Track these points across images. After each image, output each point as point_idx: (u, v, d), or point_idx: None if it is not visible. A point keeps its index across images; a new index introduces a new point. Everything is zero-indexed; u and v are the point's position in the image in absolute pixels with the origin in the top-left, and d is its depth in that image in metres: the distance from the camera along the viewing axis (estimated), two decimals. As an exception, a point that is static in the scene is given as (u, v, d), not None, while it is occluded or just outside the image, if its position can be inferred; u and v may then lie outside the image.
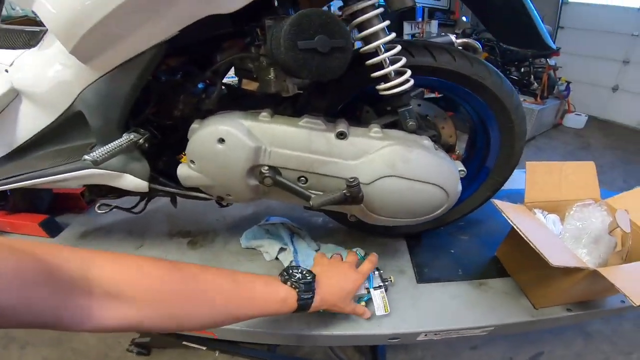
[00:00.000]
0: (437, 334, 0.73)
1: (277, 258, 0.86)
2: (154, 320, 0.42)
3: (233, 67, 0.68)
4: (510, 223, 0.68)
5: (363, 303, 0.71)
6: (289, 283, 0.56)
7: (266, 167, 0.59)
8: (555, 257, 0.60)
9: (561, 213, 0.84)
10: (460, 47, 0.84)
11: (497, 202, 0.74)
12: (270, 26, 0.54)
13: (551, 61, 3.70)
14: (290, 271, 0.58)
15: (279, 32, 0.49)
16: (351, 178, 0.55)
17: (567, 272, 0.65)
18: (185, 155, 0.66)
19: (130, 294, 0.40)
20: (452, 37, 0.84)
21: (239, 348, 1.27)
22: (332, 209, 0.69)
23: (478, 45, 0.87)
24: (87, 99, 0.60)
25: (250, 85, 0.69)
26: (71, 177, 0.66)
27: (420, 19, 4.09)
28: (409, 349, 1.45)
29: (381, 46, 0.57)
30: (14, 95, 0.68)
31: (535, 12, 0.65)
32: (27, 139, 0.72)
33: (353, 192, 0.55)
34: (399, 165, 0.57)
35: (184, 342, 1.25)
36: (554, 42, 4.32)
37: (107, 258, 0.41)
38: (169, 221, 1.05)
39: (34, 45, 0.66)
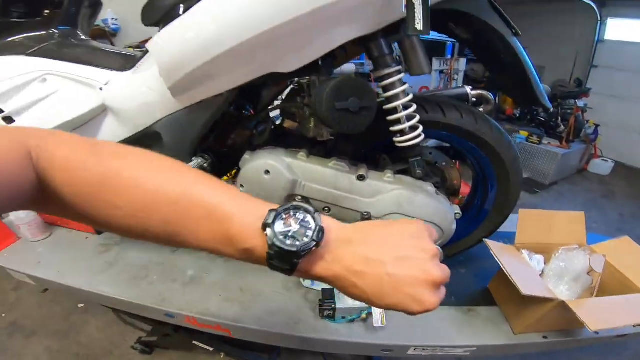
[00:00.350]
0: (425, 349, 0.88)
1: None
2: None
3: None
4: (494, 257, 0.86)
5: (364, 315, 0.88)
6: (268, 232, 0.33)
7: (299, 197, 0.79)
8: (527, 288, 0.77)
9: (547, 255, 1.00)
10: (475, 99, 1.04)
11: (488, 241, 0.91)
12: (315, 85, 0.75)
13: (580, 103, 3.81)
14: (290, 212, 0.34)
15: (322, 93, 0.70)
16: (365, 212, 0.75)
17: (541, 302, 0.81)
18: (229, 176, 0.86)
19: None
20: (468, 89, 1.05)
21: (244, 353, 1.40)
22: None
23: (491, 97, 1.07)
24: (168, 124, 0.82)
25: (291, 125, 0.90)
26: None
27: (449, 56, 4.34)
28: None
29: (401, 105, 0.77)
30: (102, 110, 0.90)
31: (532, 69, 0.82)
32: None
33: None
34: (405, 206, 0.77)
35: (194, 342, 1.40)
36: (585, 83, 4.47)
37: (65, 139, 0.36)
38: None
39: (128, 69, 0.89)
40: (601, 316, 0.76)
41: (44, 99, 0.91)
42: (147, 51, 0.85)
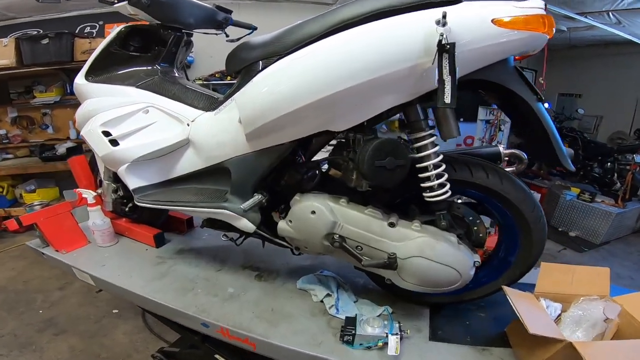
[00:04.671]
0: None
1: (322, 301, 1.20)
2: None
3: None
4: (507, 298, 0.94)
5: (380, 344, 0.99)
6: None
7: (337, 235, 0.98)
8: (535, 327, 0.83)
9: (567, 304, 1.05)
10: (507, 157, 1.17)
11: (506, 288, 1.00)
12: (359, 143, 0.94)
13: (638, 158, 3.73)
14: None
15: (365, 152, 0.90)
16: (392, 253, 0.93)
17: (550, 344, 0.87)
18: (278, 211, 1.07)
19: None
20: (501, 148, 1.19)
21: None
22: (374, 272, 1.04)
23: (524, 156, 1.18)
24: (237, 163, 1.06)
25: (335, 174, 1.11)
26: (210, 212, 1.12)
27: (495, 106, 4.42)
28: None
29: (431, 165, 0.94)
30: (186, 142, 1.16)
31: (554, 132, 0.91)
32: (180, 175, 1.20)
33: (391, 262, 0.93)
34: (427, 251, 0.93)
35: (216, 355, 1.52)
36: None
37: None
38: (245, 256, 1.47)
39: (212, 110, 1.13)
40: (608, 358, 0.79)
41: (144, 128, 1.19)
42: (227, 96, 1.09)
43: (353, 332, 1.01)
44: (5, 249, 3.33)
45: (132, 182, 1.23)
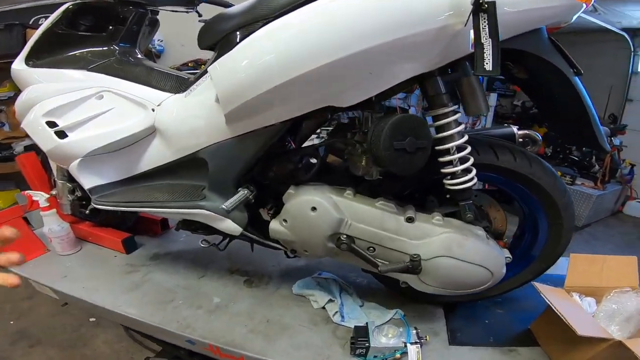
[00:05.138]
0: None
1: (324, 307, 1.02)
2: None
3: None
4: (547, 301, 0.82)
5: (398, 355, 0.85)
6: None
7: (345, 236, 0.78)
8: (583, 328, 0.74)
9: (598, 297, 0.96)
10: (521, 139, 1.02)
11: (537, 285, 0.88)
12: (369, 121, 0.75)
13: (616, 140, 3.73)
14: None
15: (380, 131, 0.69)
16: (415, 254, 0.74)
17: (594, 342, 0.77)
18: (268, 209, 0.86)
19: None
20: (515, 129, 1.02)
21: None
22: (388, 275, 0.86)
23: (538, 137, 1.03)
24: (216, 152, 0.83)
25: (335, 160, 0.90)
26: (186, 213, 0.89)
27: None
28: None
29: (455, 147, 0.76)
30: (152, 131, 0.92)
31: (592, 109, 0.79)
32: (146, 170, 0.96)
33: (414, 265, 0.74)
34: (455, 249, 0.75)
35: None
36: (621, 119, 4.34)
37: None
38: (230, 259, 1.26)
39: (181, 92, 0.91)
40: None
41: (99, 116, 0.95)
42: (199, 75, 0.88)
43: (367, 344, 0.87)
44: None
45: (87, 181, 1.00)
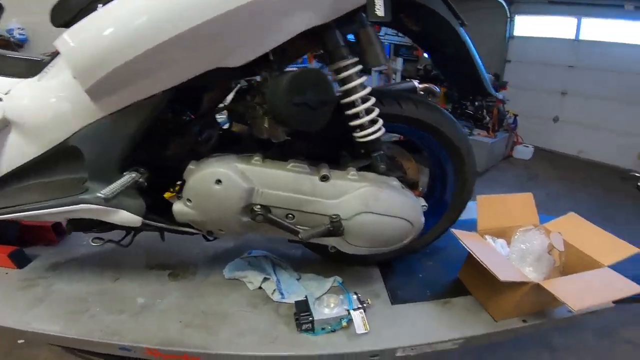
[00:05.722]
0: (413, 348, 0.83)
1: (260, 287, 0.94)
2: None
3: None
4: (467, 249, 0.83)
5: (345, 324, 0.81)
6: None
7: (258, 206, 0.69)
8: (503, 274, 0.76)
9: (507, 238, 1.01)
10: (422, 92, 1.02)
11: (456, 232, 0.89)
12: (268, 80, 0.65)
13: (500, 95, 4.14)
14: None
15: (278, 87, 0.61)
16: (334, 215, 0.67)
17: (515, 286, 0.80)
18: (172, 192, 0.73)
19: None
20: (415, 83, 1.02)
21: None
22: (314, 242, 0.79)
23: (437, 90, 1.06)
24: (88, 136, 0.67)
25: (240, 128, 0.79)
26: (67, 211, 0.71)
27: (387, 56, 4.49)
28: None
29: (359, 99, 0.70)
30: (4, 125, 0.71)
31: (477, 59, 0.81)
32: (10, 170, 0.75)
33: (336, 227, 0.68)
34: (372, 204, 0.70)
35: None
36: (502, 76, 4.85)
37: None
38: (148, 255, 1.08)
39: (32, 75, 0.71)
40: (579, 295, 0.76)
41: None
42: (56, 54, 0.69)
43: (310, 318, 0.81)
44: None
45: None
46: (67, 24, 0.65)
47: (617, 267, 0.86)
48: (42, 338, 0.87)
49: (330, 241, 0.77)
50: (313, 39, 0.68)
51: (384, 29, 4.17)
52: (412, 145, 0.96)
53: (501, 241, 0.99)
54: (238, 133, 0.81)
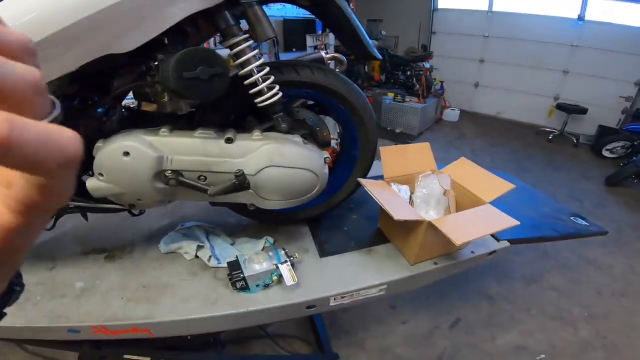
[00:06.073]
0: (343, 296, 0.90)
1: (196, 256, 0.98)
2: None
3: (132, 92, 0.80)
4: (368, 191, 0.92)
5: (275, 278, 0.87)
6: None
7: (169, 172, 0.73)
8: (398, 213, 0.84)
9: (411, 184, 1.10)
10: (329, 61, 1.08)
11: (362, 180, 0.97)
12: (162, 60, 0.69)
13: (427, 64, 4.38)
14: None
15: (168, 65, 0.65)
16: (237, 170, 0.73)
17: (416, 227, 0.89)
18: (91, 174, 0.75)
19: None
20: (322, 53, 1.09)
21: (184, 354, 1.25)
22: (234, 202, 0.85)
23: (343, 58, 1.13)
24: None
25: (149, 107, 0.81)
26: None
27: (320, 32, 4.52)
28: (349, 331, 1.63)
29: (254, 69, 0.76)
30: None
31: (359, 27, 0.88)
32: None
33: (240, 180, 0.74)
34: (276, 158, 0.77)
35: (125, 356, 1.22)
36: (429, 47, 5.11)
37: None
38: (80, 241, 1.08)
39: None
40: (462, 230, 0.82)
41: None
42: None
43: (242, 275, 0.86)
44: None
45: None
46: None
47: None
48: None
49: (247, 198, 0.83)
50: (210, 25, 0.73)
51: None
52: (323, 108, 1.04)
53: (404, 187, 1.08)
54: (149, 112, 0.83)
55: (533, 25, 4.33)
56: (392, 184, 1.07)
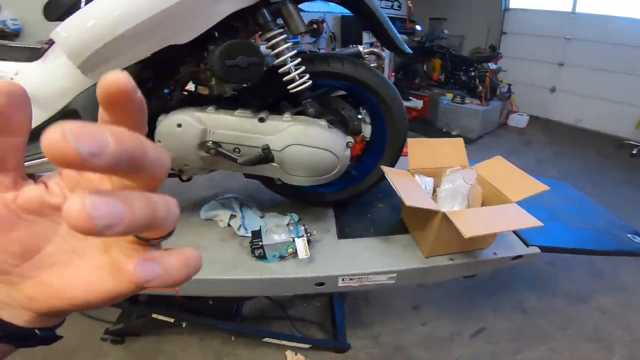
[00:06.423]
0: (352, 278, 0.96)
1: (229, 225, 1.13)
2: None
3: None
4: (387, 178, 0.99)
5: (291, 250, 0.97)
6: None
7: (211, 142, 0.90)
8: (410, 200, 0.88)
9: (438, 178, 1.13)
10: (367, 56, 1.17)
11: (383, 167, 1.04)
12: (211, 51, 0.86)
13: (493, 65, 4.21)
14: None
15: (214, 55, 0.82)
16: (264, 144, 0.88)
17: (431, 218, 0.91)
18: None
19: None
20: (360, 48, 1.18)
21: (203, 318, 1.45)
22: (264, 174, 1.00)
23: (382, 53, 1.21)
24: (82, 100, 0.89)
25: (204, 90, 1.01)
26: None
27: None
28: (366, 325, 1.69)
29: (288, 59, 0.90)
30: None
31: (387, 22, 0.97)
32: None
33: (265, 153, 0.90)
34: (301, 137, 0.90)
35: (153, 315, 1.42)
36: (498, 48, 4.89)
37: None
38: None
39: (36, 59, 0.94)
40: (475, 224, 0.84)
41: None
42: (52, 43, 0.91)
43: (260, 243, 0.97)
44: None
45: None
46: (59, 18, 0.87)
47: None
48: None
49: (273, 172, 0.97)
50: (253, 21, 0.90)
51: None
52: (356, 99, 1.12)
53: (428, 179, 1.12)
54: (203, 94, 1.02)
55: (624, 28, 3.97)
56: (416, 175, 1.11)
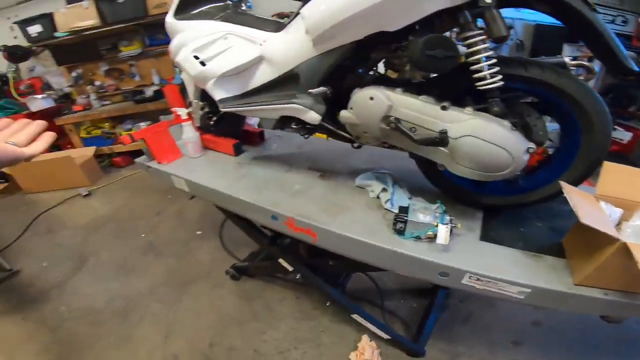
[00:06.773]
0: (479, 278, 0.95)
1: (378, 197, 1.28)
2: None
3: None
4: (565, 195, 0.91)
5: (430, 233, 1.02)
6: None
7: (393, 117, 1.06)
8: (587, 218, 0.80)
9: (629, 213, 0.97)
10: (573, 68, 1.11)
11: (563, 183, 0.96)
12: (412, 40, 1.00)
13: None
14: None
15: (417, 43, 0.96)
16: (443, 129, 0.99)
17: (603, 245, 0.83)
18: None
19: None
20: (566, 59, 1.12)
21: (315, 277, 1.66)
22: (428, 157, 1.10)
23: (592, 67, 1.07)
24: (306, 66, 1.18)
25: (392, 74, 1.18)
26: (282, 108, 1.25)
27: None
28: (453, 341, 1.66)
29: (483, 57, 0.96)
30: (260, 60, 1.30)
31: (615, 39, 0.89)
32: (255, 87, 1.34)
33: (442, 137, 0.99)
34: (479, 131, 0.96)
35: (279, 260, 1.70)
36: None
37: None
38: (309, 160, 1.62)
39: (280, 30, 1.27)
40: None
41: (225, 51, 1.35)
42: (292, 18, 1.22)
43: (405, 218, 1.06)
44: (112, 182, 3.90)
45: (218, 94, 1.40)
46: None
47: None
48: (235, 203, 1.38)
49: (440, 157, 1.06)
50: (452, 20, 0.98)
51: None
52: (546, 108, 1.08)
53: (617, 210, 0.98)
54: (392, 78, 1.19)
55: None
56: (601, 202, 1.00)
